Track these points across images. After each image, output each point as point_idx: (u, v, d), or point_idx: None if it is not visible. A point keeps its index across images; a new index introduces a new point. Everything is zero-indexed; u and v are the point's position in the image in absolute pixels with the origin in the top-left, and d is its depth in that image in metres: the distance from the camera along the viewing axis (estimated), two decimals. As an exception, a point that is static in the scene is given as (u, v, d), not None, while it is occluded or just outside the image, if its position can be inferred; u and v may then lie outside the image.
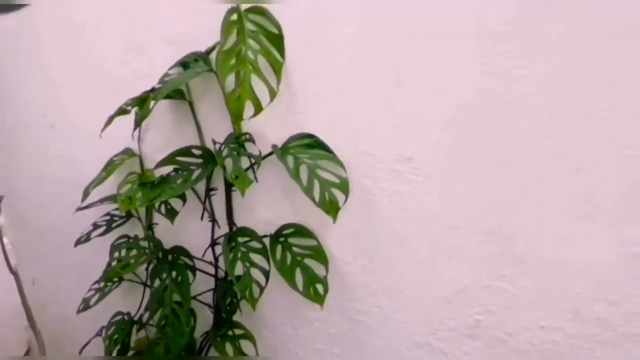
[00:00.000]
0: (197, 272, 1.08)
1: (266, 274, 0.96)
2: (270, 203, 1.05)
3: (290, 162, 0.91)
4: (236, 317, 1.08)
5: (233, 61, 0.90)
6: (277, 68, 0.92)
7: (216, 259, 1.09)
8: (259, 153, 0.97)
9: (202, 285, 1.10)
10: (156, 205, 1.10)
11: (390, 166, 0.92)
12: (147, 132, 1.17)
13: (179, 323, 1.00)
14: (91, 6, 1.17)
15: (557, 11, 0.74)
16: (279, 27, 0.92)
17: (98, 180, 1.09)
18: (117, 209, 1.18)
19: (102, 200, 1.17)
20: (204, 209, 1.08)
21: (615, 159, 0.75)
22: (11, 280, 1.14)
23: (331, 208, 0.90)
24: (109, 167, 1.11)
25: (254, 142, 0.99)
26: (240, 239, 0.98)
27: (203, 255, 1.10)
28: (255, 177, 0.97)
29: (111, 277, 1.09)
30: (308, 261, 0.97)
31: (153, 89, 0.99)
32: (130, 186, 1.03)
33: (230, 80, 0.90)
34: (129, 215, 1.17)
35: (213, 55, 1.00)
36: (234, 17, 0.91)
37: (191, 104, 1.08)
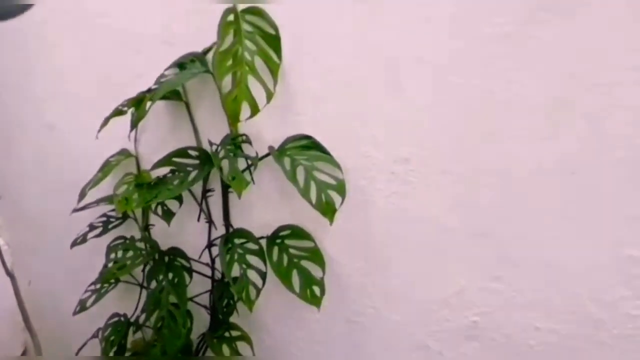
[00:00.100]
0: (194, 274, 1.07)
1: (263, 276, 0.96)
2: (267, 204, 1.05)
3: (287, 164, 0.91)
4: (233, 319, 1.08)
5: (230, 62, 0.89)
6: (273, 69, 0.92)
7: (213, 260, 1.09)
8: (255, 154, 0.97)
9: (198, 286, 1.09)
10: (152, 206, 1.09)
11: (387, 168, 0.92)
12: (144, 133, 1.17)
13: (175, 325, 1.00)
14: (89, 6, 1.17)
15: (554, 14, 0.75)
16: (275, 28, 0.92)
17: (94, 181, 1.09)
18: (113, 210, 1.17)
19: (98, 202, 1.16)
20: (201, 210, 1.08)
21: (611, 161, 0.76)
22: (7, 282, 1.13)
23: (328, 210, 0.89)
24: (106, 168, 1.11)
25: (250, 143, 0.99)
26: (237, 241, 0.98)
27: (200, 257, 1.09)
28: (252, 179, 0.97)
29: (107, 278, 1.09)
30: (305, 263, 0.97)
31: (149, 90, 0.99)
32: (127, 187, 1.03)
33: (227, 81, 0.90)
34: (125, 217, 1.17)
35: (210, 56, 1.00)
36: (231, 17, 0.91)
37: (188, 105, 1.08)
